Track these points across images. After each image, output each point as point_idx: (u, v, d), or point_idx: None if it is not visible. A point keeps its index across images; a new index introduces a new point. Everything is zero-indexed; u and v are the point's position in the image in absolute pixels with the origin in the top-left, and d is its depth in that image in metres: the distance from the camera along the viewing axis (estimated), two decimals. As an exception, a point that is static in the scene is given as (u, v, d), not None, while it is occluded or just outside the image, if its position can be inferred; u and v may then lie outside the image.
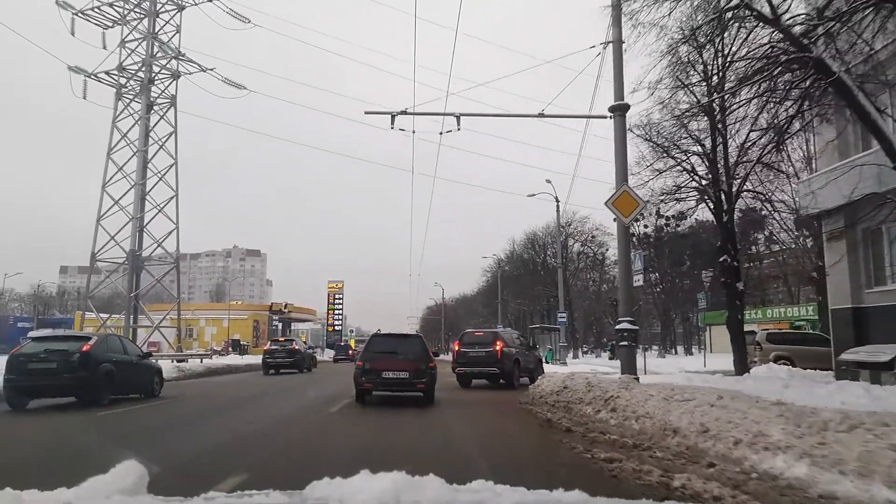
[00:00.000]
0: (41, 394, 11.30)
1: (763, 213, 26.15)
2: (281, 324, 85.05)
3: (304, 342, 44.95)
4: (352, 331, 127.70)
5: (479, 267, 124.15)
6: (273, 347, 27.69)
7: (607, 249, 55.22)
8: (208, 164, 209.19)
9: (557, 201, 31.46)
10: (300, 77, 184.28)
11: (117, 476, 2.35)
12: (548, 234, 57.48)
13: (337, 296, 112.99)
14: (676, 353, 57.11)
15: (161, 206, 34.72)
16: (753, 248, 40.74)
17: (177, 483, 4.78)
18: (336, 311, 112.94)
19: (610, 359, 35.35)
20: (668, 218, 53.81)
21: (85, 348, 11.44)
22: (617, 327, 11.96)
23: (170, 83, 36.15)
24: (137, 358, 13.28)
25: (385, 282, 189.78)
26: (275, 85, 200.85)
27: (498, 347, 16.71)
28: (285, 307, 79.67)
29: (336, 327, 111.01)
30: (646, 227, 55.22)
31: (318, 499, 2.25)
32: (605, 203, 11.84)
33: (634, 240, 56.88)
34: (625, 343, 11.83)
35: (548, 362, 31.66)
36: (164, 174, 35.00)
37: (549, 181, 29.55)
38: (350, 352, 49.84)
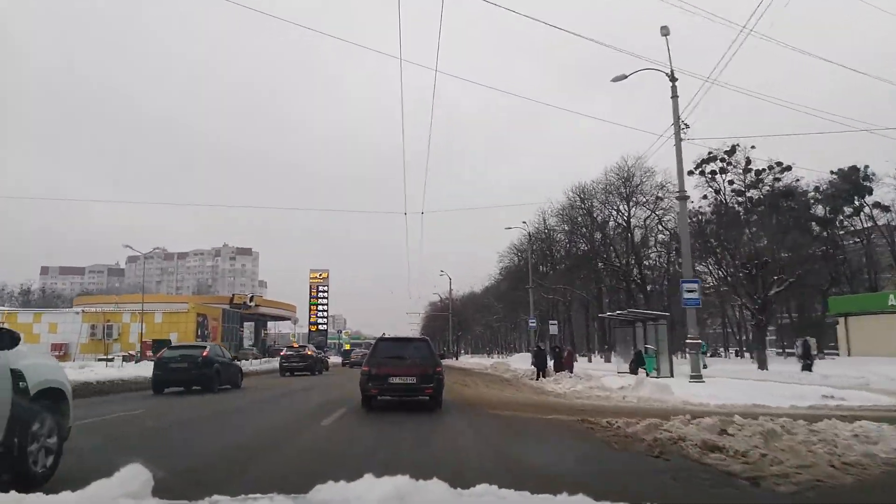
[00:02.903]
0: (178, 384, 17.35)
1: None
2: (253, 323, 72.71)
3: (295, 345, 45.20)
4: (339, 331, 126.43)
5: (486, 267, 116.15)
6: (289, 353, 34.63)
7: (669, 214, 40.41)
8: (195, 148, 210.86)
9: (674, 80, 18.60)
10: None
11: (122, 480, 2.40)
12: (604, 187, 43.28)
13: (321, 287, 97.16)
14: (729, 357, 46.63)
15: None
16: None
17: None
18: (320, 307, 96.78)
19: (805, 369, 23.42)
20: (759, 172, 38.98)
21: (204, 354, 17.72)
22: None
23: None
24: (228, 360, 19.56)
25: (384, 277, 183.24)
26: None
27: None
28: (251, 300, 66.66)
29: (320, 326, 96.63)
30: (731, 182, 40.17)
31: (322, 502, 2.33)
32: None
33: (701, 201, 40.07)
34: None
35: (647, 372, 21.48)
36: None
37: (665, 31, 18.08)
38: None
